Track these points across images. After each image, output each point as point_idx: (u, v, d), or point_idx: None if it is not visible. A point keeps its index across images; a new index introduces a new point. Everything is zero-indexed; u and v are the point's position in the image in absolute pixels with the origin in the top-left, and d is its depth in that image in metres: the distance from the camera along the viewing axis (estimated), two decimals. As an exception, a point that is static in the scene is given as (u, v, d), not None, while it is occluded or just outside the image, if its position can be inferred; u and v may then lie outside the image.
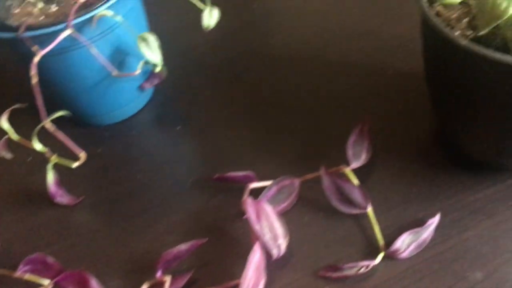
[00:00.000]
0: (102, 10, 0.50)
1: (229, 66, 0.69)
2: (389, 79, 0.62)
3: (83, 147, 0.52)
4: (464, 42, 0.39)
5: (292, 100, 0.62)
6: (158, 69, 0.56)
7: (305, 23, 0.73)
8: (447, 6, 0.46)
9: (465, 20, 0.44)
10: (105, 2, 0.50)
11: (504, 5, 0.39)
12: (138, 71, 0.55)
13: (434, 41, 0.44)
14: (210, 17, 0.58)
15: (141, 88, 0.61)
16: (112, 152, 0.59)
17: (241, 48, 0.71)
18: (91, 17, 0.50)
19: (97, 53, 0.51)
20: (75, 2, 0.51)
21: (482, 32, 0.40)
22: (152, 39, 0.53)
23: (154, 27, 0.62)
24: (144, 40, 0.53)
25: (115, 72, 0.54)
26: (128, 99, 0.62)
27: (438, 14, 0.46)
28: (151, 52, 0.53)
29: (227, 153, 0.57)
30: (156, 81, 0.61)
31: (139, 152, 0.59)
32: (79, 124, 0.62)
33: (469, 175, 0.51)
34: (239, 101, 0.64)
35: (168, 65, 0.60)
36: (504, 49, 0.40)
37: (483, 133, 0.46)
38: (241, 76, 0.67)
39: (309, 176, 0.52)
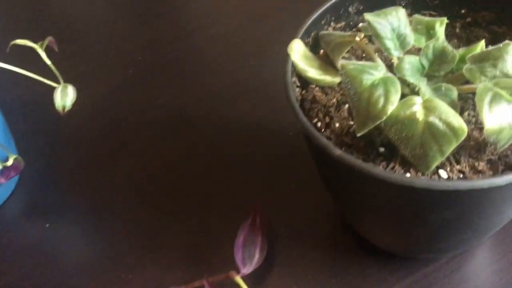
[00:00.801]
0: None
1: (108, 138, 0.59)
2: (284, 147, 0.55)
3: None
4: (337, 152, 0.32)
5: (176, 182, 0.54)
6: (9, 162, 0.47)
7: (195, 80, 0.65)
8: (324, 88, 0.40)
9: (346, 106, 0.38)
10: None
11: (381, 102, 0.32)
12: None
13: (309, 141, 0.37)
14: (66, 97, 0.49)
15: None
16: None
17: (121, 115, 0.62)
18: None
19: None
20: None
21: (359, 134, 0.33)
22: None
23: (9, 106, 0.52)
24: None
25: None
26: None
27: (314, 100, 0.39)
28: None
29: (102, 256, 0.49)
30: (12, 174, 0.51)
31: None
32: None
33: (382, 265, 0.45)
34: (120, 183, 0.55)
35: (33, 146, 0.50)
36: (390, 145, 0.34)
37: (379, 231, 0.40)
38: (123, 148, 0.58)
39: (196, 284, 0.44)
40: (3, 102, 0.54)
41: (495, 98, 0.31)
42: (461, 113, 0.35)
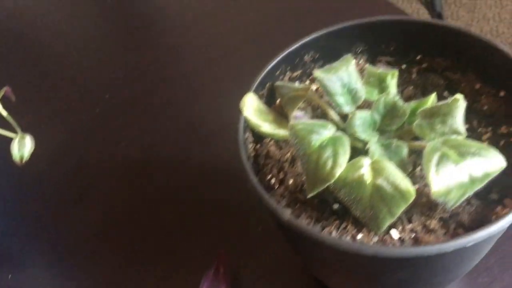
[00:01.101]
0: None
1: (72, 183, 0.58)
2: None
3: None
4: (286, 217, 0.31)
5: (140, 228, 0.52)
6: None
7: (162, 117, 0.64)
8: (279, 142, 0.39)
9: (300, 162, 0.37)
10: None
11: (329, 165, 0.32)
12: None
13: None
14: (23, 147, 0.48)
15: None
16: None
17: (86, 157, 0.61)
18: None
19: None
20: None
21: (309, 196, 0.33)
22: None
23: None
24: None
25: None
26: None
27: (269, 155, 0.38)
28: None
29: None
30: None
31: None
32: None
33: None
34: (83, 230, 0.53)
35: None
36: (343, 203, 0.34)
37: (339, 284, 0.39)
38: (87, 193, 0.57)
39: None
40: None
41: (442, 159, 0.31)
42: (413, 168, 0.35)
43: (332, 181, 0.31)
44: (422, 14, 1.17)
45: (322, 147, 0.32)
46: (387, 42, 0.43)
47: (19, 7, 0.85)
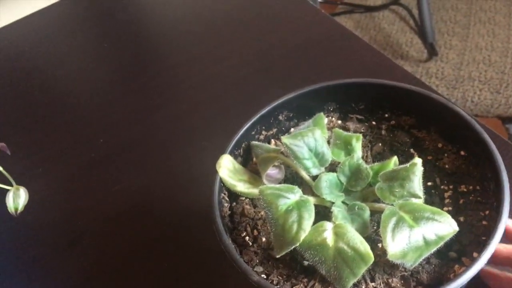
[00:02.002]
0: None
1: (64, 230, 0.60)
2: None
3: None
4: (255, 278, 0.34)
5: (133, 276, 0.54)
6: None
7: (156, 160, 0.67)
8: (254, 200, 0.42)
9: (272, 220, 0.40)
10: None
11: (294, 229, 0.34)
12: None
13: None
14: (18, 199, 0.51)
15: None
16: None
17: (79, 204, 0.63)
18: None
19: None
20: None
21: (277, 256, 0.35)
22: None
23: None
24: None
25: None
26: None
27: (243, 213, 0.40)
28: None
29: None
30: None
31: None
32: None
33: None
34: (77, 277, 0.55)
35: None
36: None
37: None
38: (80, 241, 0.58)
39: None
40: None
41: (398, 224, 0.33)
42: (378, 227, 0.37)
43: (298, 244, 0.34)
44: (415, 43, 1.19)
45: (288, 211, 0.34)
46: (356, 101, 0.46)
47: (12, 51, 0.88)
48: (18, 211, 0.49)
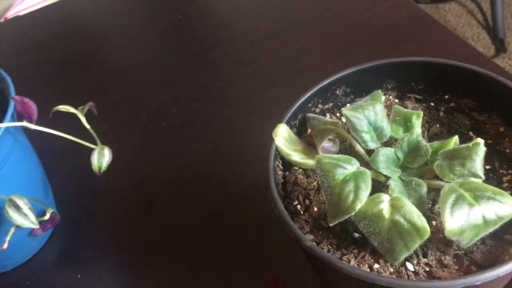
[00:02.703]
0: None
1: (139, 194, 0.61)
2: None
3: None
4: (308, 244, 0.34)
5: (204, 239, 0.54)
6: (46, 217, 0.49)
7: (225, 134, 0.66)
8: (307, 170, 0.42)
9: (325, 190, 0.40)
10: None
11: (350, 198, 0.34)
12: (5, 245, 0.46)
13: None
14: (102, 158, 0.52)
15: (33, 233, 0.54)
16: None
17: (152, 170, 0.63)
18: None
19: None
20: None
21: (331, 225, 0.35)
22: (22, 203, 0.45)
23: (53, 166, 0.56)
24: (13, 204, 0.45)
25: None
26: (17, 247, 0.53)
27: (296, 183, 0.41)
28: (21, 216, 0.46)
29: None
30: (49, 225, 0.54)
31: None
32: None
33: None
34: (151, 238, 0.56)
35: (68, 199, 0.54)
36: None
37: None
38: (154, 204, 0.59)
39: None
40: (44, 158, 0.57)
41: (458, 201, 0.32)
42: (433, 205, 0.37)
43: (353, 213, 0.34)
44: (482, 39, 1.14)
45: (345, 181, 0.35)
46: (416, 80, 0.45)
47: (88, 29, 0.91)
48: (102, 170, 0.51)
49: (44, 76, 0.80)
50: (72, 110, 0.49)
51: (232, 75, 0.74)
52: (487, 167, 0.40)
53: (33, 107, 0.48)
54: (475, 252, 0.35)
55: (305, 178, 0.41)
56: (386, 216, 0.33)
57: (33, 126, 0.47)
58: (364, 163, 0.39)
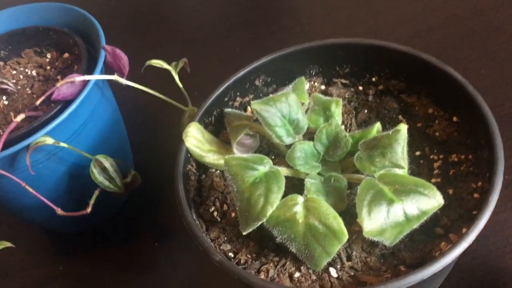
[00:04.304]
0: (38, 138, 0.37)
1: None
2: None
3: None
4: (218, 257, 0.30)
5: None
6: (128, 179, 0.43)
7: None
8: (224, 172, 0.38)
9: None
10: (43, 127, 0.37)
11: (261, 203, 0.30)
12: (89, 209, 0.41)
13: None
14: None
15: (114, 194, 0.49)
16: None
17: None
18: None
19: (32, 191, 0.38)
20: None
21: (244, 233, 0.31)
22: (109, 164, 0.40)
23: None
24: (98, 165, 0.40)
25: (59, 211, 0.40)
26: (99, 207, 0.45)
27: (213, 187, 0.37)
28: (107, 179, 0.41)
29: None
30: (129, 189, 0.47)
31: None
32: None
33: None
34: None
35: (148, 162, 0.50)
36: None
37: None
38: None
39: None
40: (127, 118, 0.51)
41: (376, 198, 0.29)
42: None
43: (264, 220, 0.30)
44: None
45: (254, 184, 0.31)
46: (341, 64, 0.41)
47: None
48: None
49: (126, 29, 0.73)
50: (165, 66, 0.43)
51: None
52: (417, 153, 0.37)
53: (124, 58, 0.42)
54: (403, 250, 0.32)
55: (222, 181, 0.37)
56: (300, 220, 0.30)
57: (125, 81, 0.41)
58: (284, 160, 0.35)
